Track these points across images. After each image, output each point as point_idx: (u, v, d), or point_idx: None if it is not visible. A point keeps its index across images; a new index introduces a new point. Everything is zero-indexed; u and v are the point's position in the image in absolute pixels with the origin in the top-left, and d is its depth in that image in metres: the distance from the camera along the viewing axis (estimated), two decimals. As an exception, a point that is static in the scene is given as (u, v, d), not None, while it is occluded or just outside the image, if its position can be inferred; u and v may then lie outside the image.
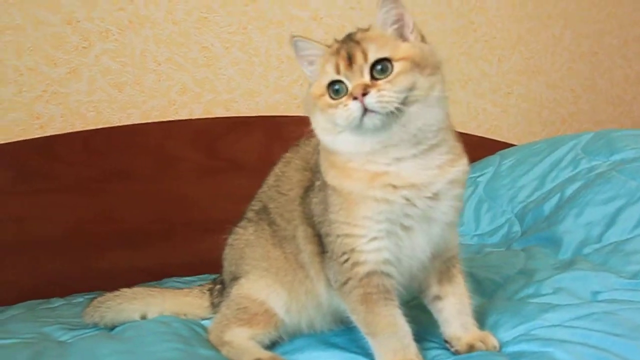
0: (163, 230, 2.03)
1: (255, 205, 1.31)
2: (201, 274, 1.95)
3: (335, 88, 0.99)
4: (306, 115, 1.08)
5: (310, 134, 1.07)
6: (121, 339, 1.09)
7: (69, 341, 1.21)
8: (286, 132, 2.16)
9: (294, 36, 1.06)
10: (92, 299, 1.40)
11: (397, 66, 0.97)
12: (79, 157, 1.97)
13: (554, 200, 1.81)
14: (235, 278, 1.26)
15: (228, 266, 1.31)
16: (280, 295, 1.19)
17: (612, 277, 1.27)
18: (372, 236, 1.03)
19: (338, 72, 0.99)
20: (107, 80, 2.04)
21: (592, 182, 1.73)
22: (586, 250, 1.49)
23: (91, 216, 1.95)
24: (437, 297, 1.14)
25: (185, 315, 1.36)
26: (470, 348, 1.08)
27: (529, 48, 2.79)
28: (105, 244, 1.96)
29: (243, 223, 1.31)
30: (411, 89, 0.97)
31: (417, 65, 0.98)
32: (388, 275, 1.05)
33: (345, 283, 1.06)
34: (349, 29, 2.51)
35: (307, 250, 1.15)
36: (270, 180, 1.29)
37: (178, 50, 2.14)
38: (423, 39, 1.05)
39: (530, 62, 2.80)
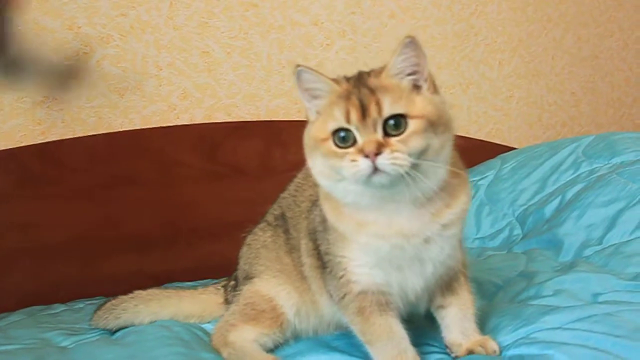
0: (166, 236, 2.04)
1: (276, 210, 1.31)
2: (205, 279, 1.95)
3: (341, 136, 0.94)
4: (304, 153, 1.04)
5: None
6: (123, 343, 1.10)
7: (70, 347, 1.21)
8: (287, 137, 2.19)
9: (298, 66, 0.99)
10: (104, 303, 1.41)
11: (412, 124, 0.93)
12: (81, 163, 1.97)
13: (555, 203, 1.81)
14: (248, 277, 1.27)
15: (243, 264, 1.32)
16: (291, 295, 1.21)
17: (612, 279, 1.27)
18: (360, 263, 1.04)
19: (348, 120, 0.93)
20: (108, 85, 2.05)
21: (593, 184, 1.73)
22: (587, 252, 1.49)
23: (93, 221, 1.95)
24: (441, 306, 1.14)
25: (201, 314, 1.37)
26: (470, 353, 1.08)
27: (529, 52, 2.79)
28: (108, 249, 1.96)
29: (262, 225, 1.32)
30: (424, 150, 0.93)
31: (432, 124, 0.94)
32: (382, 292, 1.06)
33: (342, 297, 1.07)
34: (350, 33, 2.52)
35: (307, 263, 1.16)
36: (292, 188, 1.29)
37: (179, 55, 2.14)
38: (436, 89, 1.01)
39: (530, 65, 2.80)
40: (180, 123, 2.15)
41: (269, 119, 2.26)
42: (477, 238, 1.99)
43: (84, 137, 1.99)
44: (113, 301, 1.39)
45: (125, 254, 1.96)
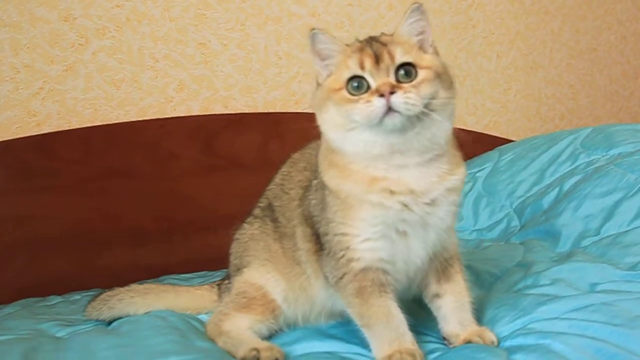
0: (161, 228, 2.03)
1: (262, 202, 1.33)
2: (200, 271, 1.95)
3: (354, 84, 0.99)
4: (312, 110, 1.08)
5: (315, 131, 1.07)
6: (118, 333, 1.09)
7: (65, 337, 1.21)
8: (284, 129, 2.19)
9: (313, 29, 1.06)
10: (98, 294, 1.41)
11: (422, 73, 0.99)
12: (77, 155, 1.96)
13: (553, 195, 1.81)
14: (238, 269, 1.28)
15: (233, 259, 1.33)
16: (278, 282, 1.21)
17: (610, 269, 1.27)
18: (366, 237, 1.04)
19: (362, 68, 0.99)
20: (104, 77, 2.04)
21: (591, 175, 1.73)
22: (584, 242, 1.49)
23: (90, 214, 1.94)
24: (436, 296, 1.14)
25: (197, 308, 1.37)
26: (468, 344, 1.07)
27: (527, 44, 2.79)
28: (104, 242, 1.95)
29: (250, 219, 1.34)
30: (433, 97, 0.99)
31: (439, 76, 1.01)
32: (383, 271, 1.06)
33: (341, 278, 1.07)
34: (348, 25, 2.51)
35: (304, 248, 1.17)
36: (277, 179, 1.31)
37: (175, 47, 2.13)
38: (438, 54, 1.08)
39: (528, 58, 2.80)
40: (177, 115, 2.14)
41: (266, 111, 2.25)
42: (475, 230, 1.98)
43: (80, 129, 1.98)
44: (108, 292, 1.39)
45: (121, 247, 1.96)
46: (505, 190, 2.03)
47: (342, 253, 1.06)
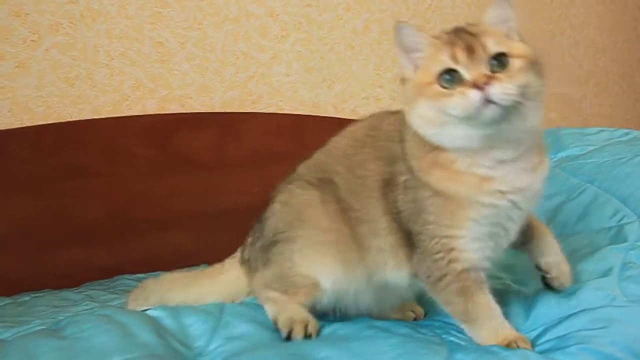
0: (116, 227, 2.01)
1: (316, 173, 1.22)
2: (155, 271, 1.93)
3: (447, 78, 0.97)
4: (401, 106, 1.06)
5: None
6: (60, 336, 1.08)
7: (9, 338, 1.19)
8: (241, 129, 2.19)
9: (400, 21, 1.04)
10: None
11: (516, 62, 0.97)
12: (28, 153, 1.93)
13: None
14: (285, 241, 1.20)
15: (276, 222, 1.22)
16: (333, 271, 1.16)
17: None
18: (474, 236, 1.04)
19: (456, 61, 0.97)
20: (57, 74, 2.01)
21: (537, 178, 1.77)
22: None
23: (40, 213, 1.91)
24: (523, 242, 1.16)
25: (226, 298, 1.31)
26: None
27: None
28: (56, 241, 1.92)
29: (300, 183, 1.22)
30: (527, 86, 0.96)
31: (532, 64, 0.99)
32: (484, 268, 1.08)
33: (440, 279, 1.07)
34: (305, 26, 2.51)
35: (388, 240, 1.13)
36: (336, 153, 1.22)
37: (131, 45, 2.11)
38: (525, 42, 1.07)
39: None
40: (132, 114, 2.12)
41: (222, 111, 2.25)
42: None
43: (32, 126, 1.95)
44: (142, 284, 1.39)
45: (73, 246, 1.93)
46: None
47: (442, 255, 1.06)
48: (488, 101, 0.93)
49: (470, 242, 1.05)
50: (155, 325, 1.12)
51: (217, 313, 1.20)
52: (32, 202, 1.91)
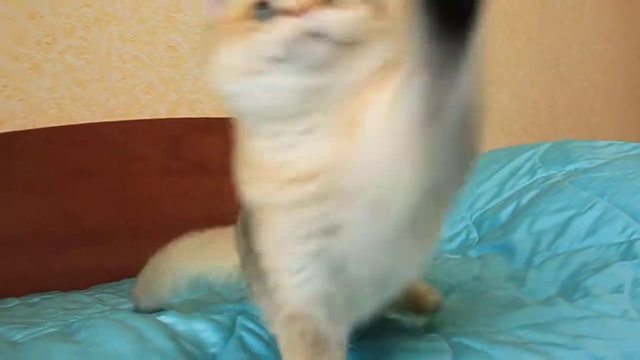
0: (125, 230, 2.02)
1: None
2: (162, 275, 1.94)
3: (261, 11, 0.70)
4: (200, 61, 0.81)
5: None
6: (75, 340, 1.09)
7: (21, 340, 1.20)
8: (251, 134, 2.19)
9: None
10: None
11: None
12: (39, 155, 1.94)
13: (511, 208, 1.85)
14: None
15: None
16: None
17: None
18: (292, 265, 0.75)
19: None
20: (70, 77, 2.02)
21: (546, 191, 1.77)
22: (536, 259, 1.51)
23: (51, 215, 1.92)
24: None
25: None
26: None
27: (494, 60, 2.85)
28: (65, 243, 1.93)
29: None
30: (366, 22, 0.71)
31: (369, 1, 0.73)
32: (323, 322, 0.79)
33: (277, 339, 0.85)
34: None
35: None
36: None
37: (144, 48, 2.13)
38: None
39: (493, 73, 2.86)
40: (144, 117, 2.13)
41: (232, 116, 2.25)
42: (435, 240, 2.01)
43: (44, 128, 1.96)
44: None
45: (83, 248, 1.94)
46: (466, 201, 2.07)
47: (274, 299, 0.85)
48: (314, 35, 0.66)
49: (289, 273, 0.75)
50: (169, 331, 1.13)
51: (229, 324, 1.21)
52: (42, 204, 1.91)
